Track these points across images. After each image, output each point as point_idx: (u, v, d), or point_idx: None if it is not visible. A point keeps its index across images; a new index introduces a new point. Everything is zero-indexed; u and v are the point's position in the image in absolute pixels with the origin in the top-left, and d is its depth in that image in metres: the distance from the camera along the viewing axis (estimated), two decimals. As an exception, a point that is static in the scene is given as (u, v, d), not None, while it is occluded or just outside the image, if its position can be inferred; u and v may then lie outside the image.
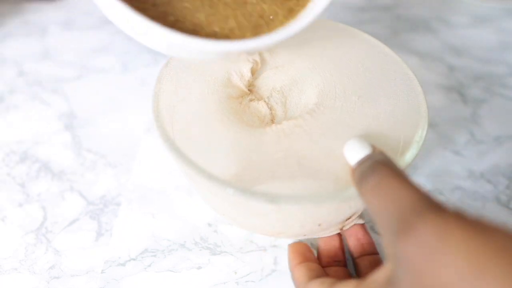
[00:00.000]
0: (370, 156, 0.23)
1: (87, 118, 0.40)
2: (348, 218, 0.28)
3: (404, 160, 0.25)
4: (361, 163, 0.23)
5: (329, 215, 0.25)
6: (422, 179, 0.35)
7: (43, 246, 0.31)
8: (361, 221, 0.29)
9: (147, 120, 0.40)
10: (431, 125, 0.40)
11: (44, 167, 0.36)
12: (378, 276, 0.20)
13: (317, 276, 0.26)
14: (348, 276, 0.28)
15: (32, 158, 0.37)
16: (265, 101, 0.31)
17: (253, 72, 0.32)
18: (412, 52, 0.49)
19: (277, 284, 0.30)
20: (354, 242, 0.29)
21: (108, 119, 0.40)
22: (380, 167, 0.21)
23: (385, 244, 0.19)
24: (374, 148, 0.23)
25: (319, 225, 0.26)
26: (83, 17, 0.52)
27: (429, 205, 0.18)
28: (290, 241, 0.31)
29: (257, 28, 0.26)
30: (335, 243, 0.29)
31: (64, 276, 0.30)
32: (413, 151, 0.25)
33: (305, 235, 0.28)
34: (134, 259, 0.31)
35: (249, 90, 0.32)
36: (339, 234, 0.30)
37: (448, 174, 0.36)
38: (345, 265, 0.29)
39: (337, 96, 0.30)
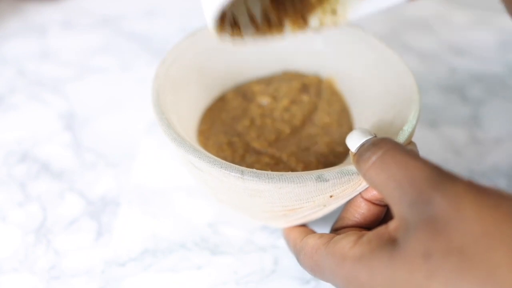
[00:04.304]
0: (371, 139, 0.23)
1: (87, 118, 0.40)
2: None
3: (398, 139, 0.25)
4: (362, 145, 0.22)
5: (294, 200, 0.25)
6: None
7: (43, 246, 0.31)
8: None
9: (147, 120, 0.40)
10: (431, 125, 0.40)
11: (44, 167, 0.36)
12: (384, 232, 0.20)
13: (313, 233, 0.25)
14: None
15: (32, 158, 0.37)
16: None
17: None
18: (412, 52, 0.49)
19: (277, 284, 0.30)
20: None
21: (108, 119, 0.40)
22: (381, 142, 0.21)
23: (397, 214, 0.19)
24: (375, 134, 0.23)
25: (287, 211, 0.26)
26: (83, 17, 0.51)
27: (443, 176, 0.19)
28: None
29: None
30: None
31: (64, 276, 0.30)
32: (408, 129, 0.25)
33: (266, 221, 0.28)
34: (134, 259, 0.31)
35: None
36: None
37: (448, 174, 0.36)
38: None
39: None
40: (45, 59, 0.46)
